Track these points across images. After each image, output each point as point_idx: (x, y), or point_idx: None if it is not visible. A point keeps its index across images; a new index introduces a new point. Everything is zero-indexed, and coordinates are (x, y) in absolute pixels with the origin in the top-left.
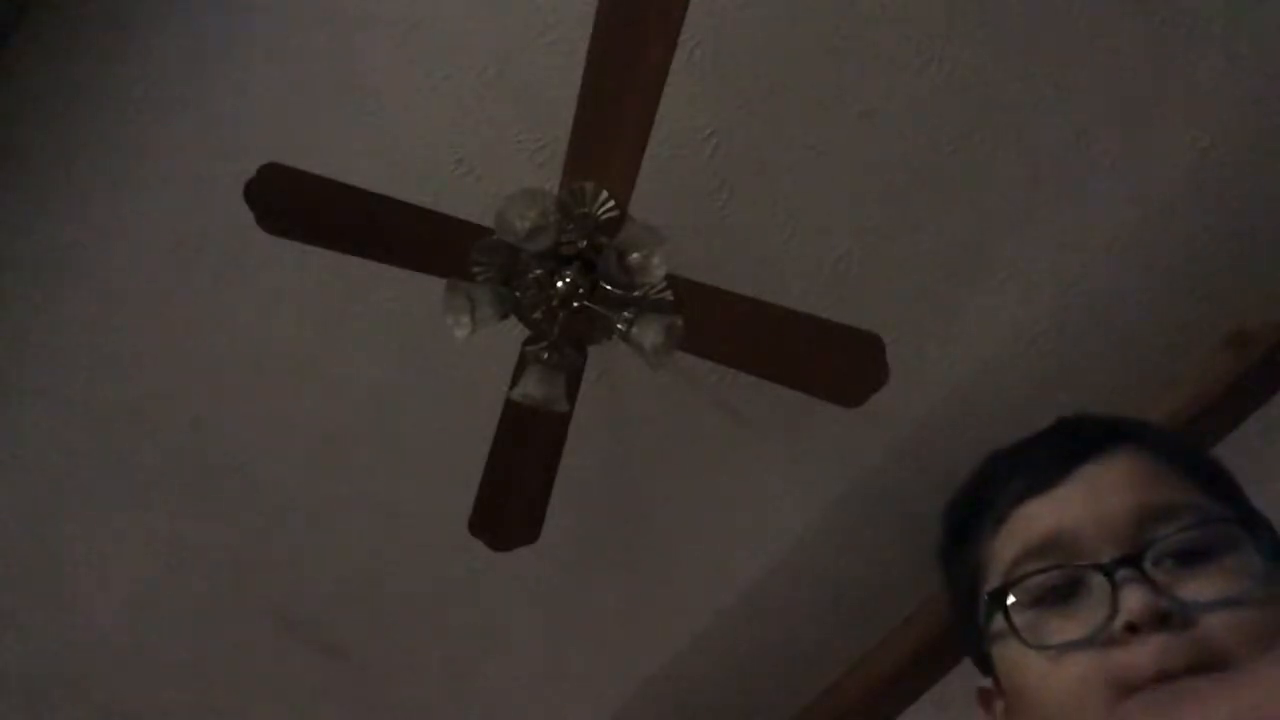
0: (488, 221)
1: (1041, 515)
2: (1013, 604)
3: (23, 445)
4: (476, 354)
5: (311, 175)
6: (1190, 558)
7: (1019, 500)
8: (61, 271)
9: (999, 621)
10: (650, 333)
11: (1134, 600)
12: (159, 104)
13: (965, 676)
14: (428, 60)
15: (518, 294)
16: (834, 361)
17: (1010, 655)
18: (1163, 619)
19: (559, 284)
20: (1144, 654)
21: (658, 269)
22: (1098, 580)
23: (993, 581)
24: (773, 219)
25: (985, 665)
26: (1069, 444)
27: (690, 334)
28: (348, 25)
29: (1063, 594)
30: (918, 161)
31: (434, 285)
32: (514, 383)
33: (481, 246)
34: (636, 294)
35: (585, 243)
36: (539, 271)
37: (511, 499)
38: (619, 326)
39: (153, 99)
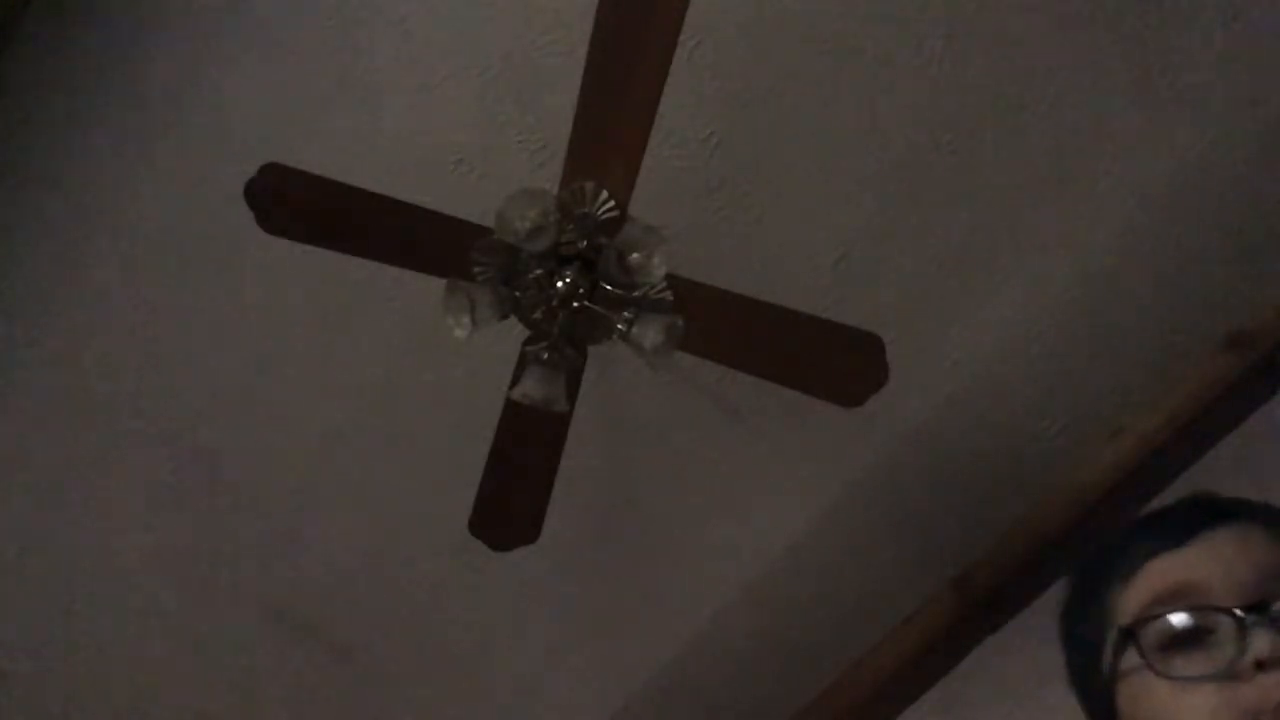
0: (488, 221)
1: (1172, 569)
2: (1144, 641)
3: (22, 445)
4: (476, 354)
5: (311, 175)
6: None
7: (1150, 556)
8: (61, 271)
9: (1130, 657)
10: (650, 333)
11: (1262, 641)
12: (159, 104)
13: (965, 677)
14: (428, 60)
15: (518, 294)
16: (834, 361)
17: (1140, 688)
18: None
19: (559, 284)
20: (1271, 688)
21: (658, 269)
22: (1226, 623)
23: (1123, 624)
24: (773, 219)
25: (1106, 712)
26: (1195, 512)
27: (690, 334)
28: (348, 25)
29: (1191, 636)
30: (918, 161)
31: (434, 285)
32: (514, 383)
33: (481, 246)
34: (636, 294)
35: (585, 243)
36: (539, 271)
37: (511, 499)
38: (619, 326)
39: (152, 99)
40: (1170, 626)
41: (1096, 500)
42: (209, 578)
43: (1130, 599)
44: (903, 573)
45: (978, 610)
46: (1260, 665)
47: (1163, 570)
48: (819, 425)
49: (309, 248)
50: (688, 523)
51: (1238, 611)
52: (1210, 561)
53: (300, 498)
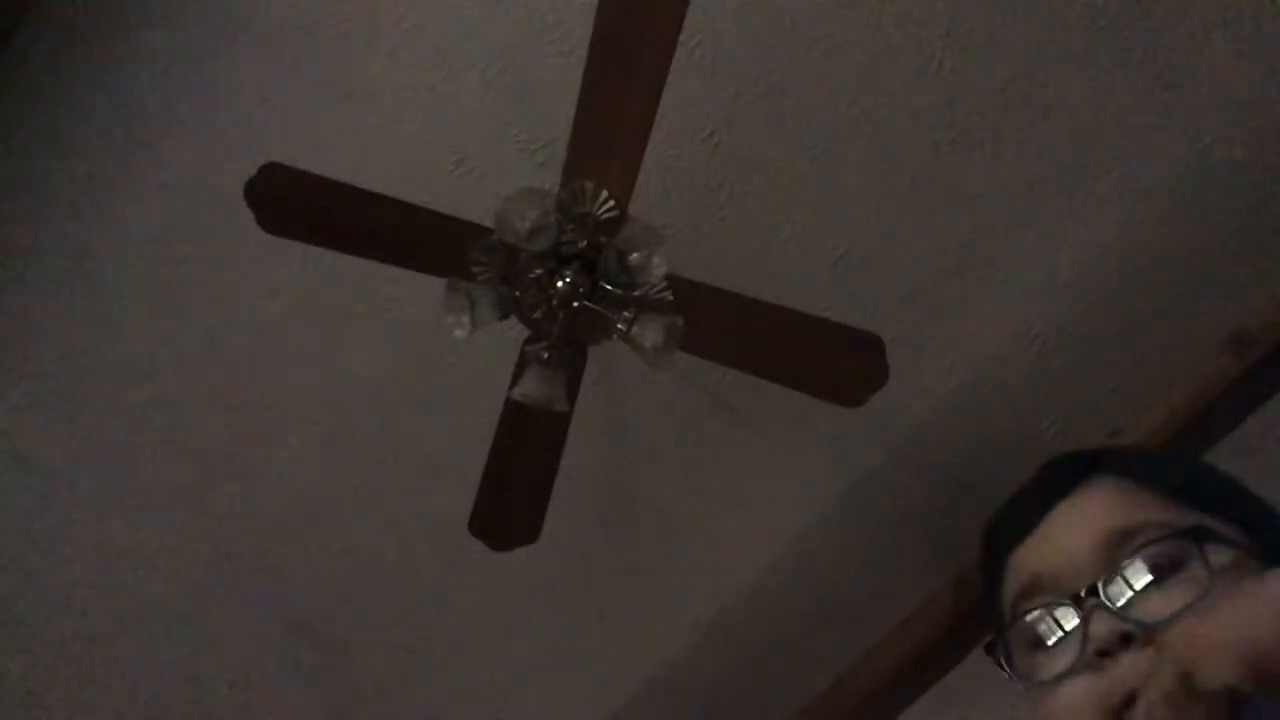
0: (488, 221)
1: (1024, 561)
2: (1014, 649)
3: (22, 446)
4: (476, 354)
5: (311, 175)
6: (1159, 570)
7: (1009, 550)
8: (61, 271)
9: (1004, 672)
10: (650, 333)
11: (1100, 626)
12: (159, 104)
13: (965, 677)
14: (428, 60)
15: (518, 294)
16: (834, 361)
17: (1026, 697)
18: (1126, 640)
19: (559, 284)
20: (1115, 675)
21: (658, 269)
22: (1072, 613)
23: (993, 633)
24: (773, 219)
25: None
26: (1045, 487)
27: (690, 334)
28: (348, 25)
29: (1050, 632)
30: (918, 161)
31: (434, 285)
32: (514, 383)
33: (481, 246)
34: (636, 294)
35: (585, 243)
36: (539, 271)
37: (511, 499)
38: (619, 326)
39: (152, 99)
40: (1027, 629)
41: None
42: (209, 578)
43: (1006, 598)
44: (903, 573)
45: (978, 610)
46: (1102, 653)
47: (1016, 566)
48: (819, 425)
49: (309, 248)
50: (688, 522)
51: (1071, 601)
52: (1055, 543)
53: (300, 498)
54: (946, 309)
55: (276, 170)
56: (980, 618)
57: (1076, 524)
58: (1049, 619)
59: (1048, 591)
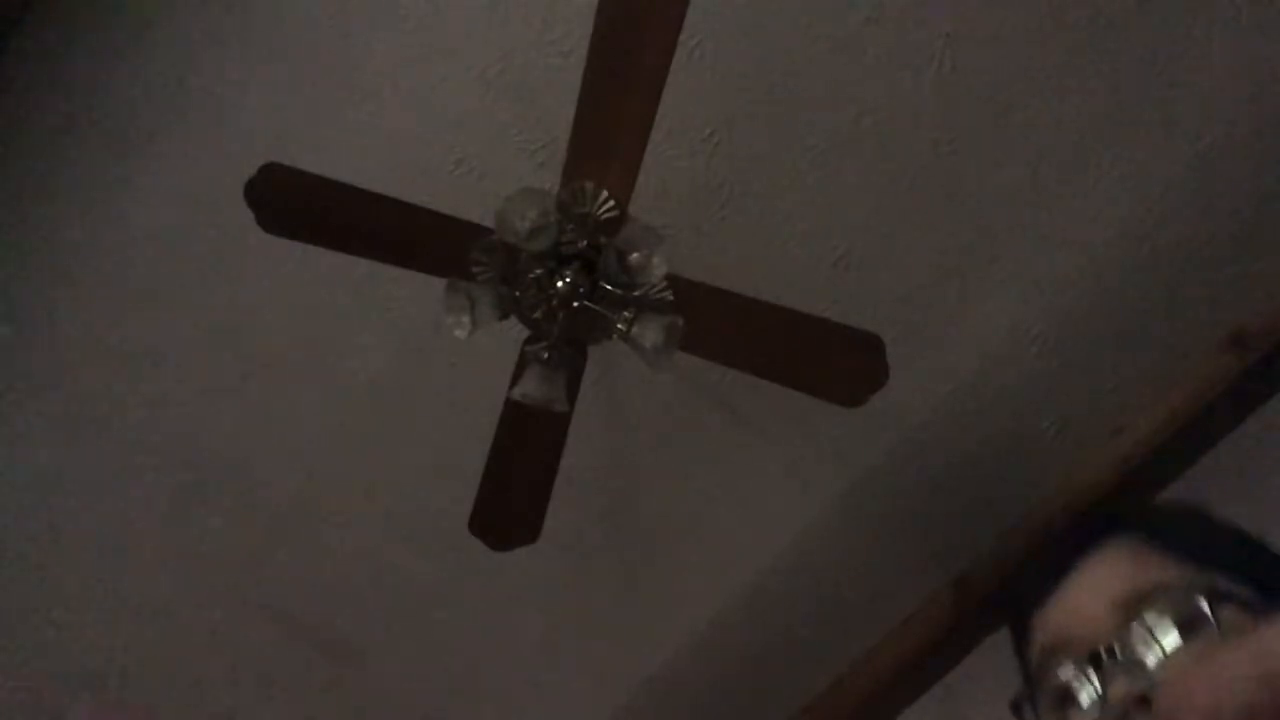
0: (488, 221)
1: (1047, 622)
2: (1040, 707)
3: (23, 446)
4: (476, 354)
5: (311, 175)
6: (1174, 631)
7: (1033, 610)
8: (61, 271)
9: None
10: (650, 333)
11: (1115, 688)
12: (158, 104)
13: (965, 677)
14: (428, 60)
15: (518, 294)
16: (834, 361)
17: None
18: (1144, 701)
19: (559, 284)
20: None
21: (658, 269)
22: (1091, 674)
23: (1021, 693)
24: (773, 219)
25: None
26: (1066, 549)
27: (690, 334)
28: (348, 25)
29: (1072, 692)
30: (918, 161)
31: (434, 285)
32: (514, 383)
33: (481, 246)
34: (636, 294)
35: (585, 243)
36: (539, 271)
37: (511, 499)
38: (619, 326)
39: (152, 99)
40: (1051, 688)
41: (1096, 500)
42: (209, 578)
43: (1032, 659)
44: (903, 573)
45: (978, 610)
46: (1123, 714)
47: (1041, 626)
48: (819, 425)
49: (309, 248)
50: (688, 522)
51: (1090, 662)
52: (1071, 609)
53: (300, 498)
54: (946, 309)
55: (276, 170)
56: (980, 618)
57: (1094, 586)
58: (1070, 679)
59: (1068, 652)
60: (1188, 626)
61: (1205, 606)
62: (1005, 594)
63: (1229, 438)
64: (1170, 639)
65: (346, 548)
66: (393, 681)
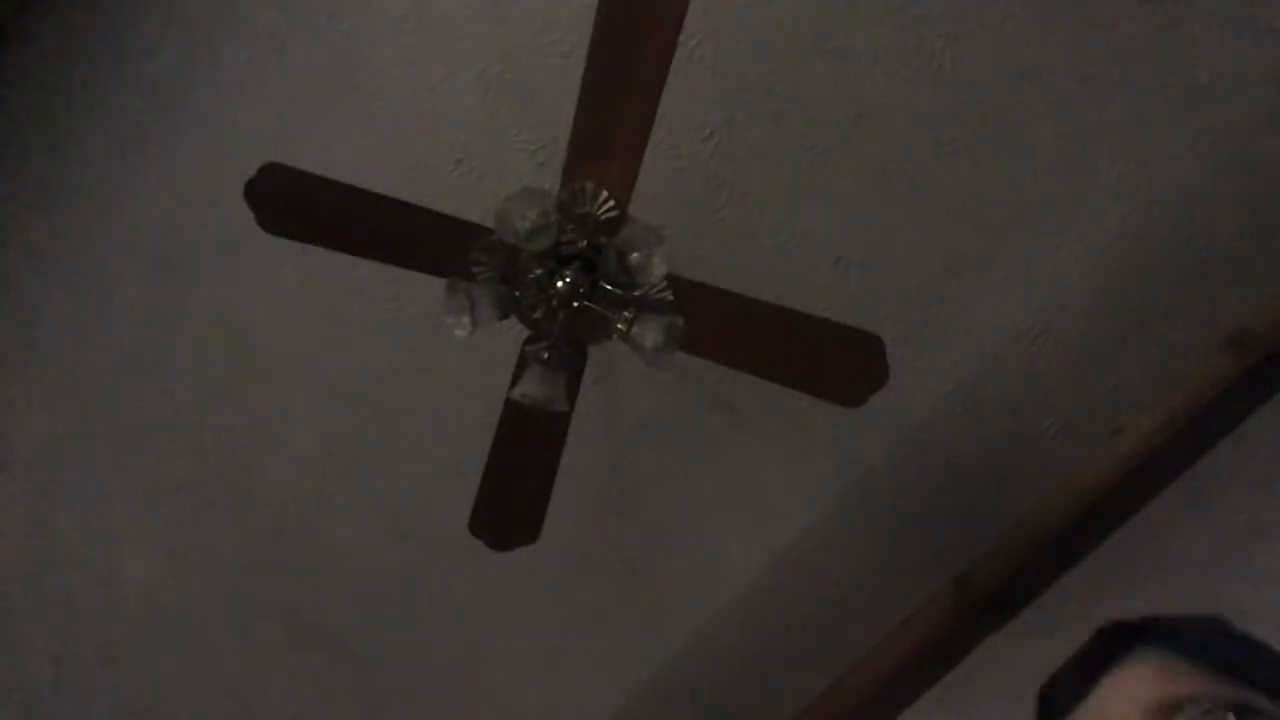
0: (488, 221)
1: None
2: None
3: (25, 448)
4: (476, 354)
5: (311, 175)
6: None
7: (1062, 716)
8: (61, 271)
9: None
10: (650, 333)
11: None
12: (158, 104)
13: (965, 677)
14: (428, 60)
15: (518, 294)
16: (834, 361)
17: None
18: None
19: (559, 284)
20: None
21: (658, 269)
22: None
23: None
24: (773, 219)
25: None
26: (1094, 656)
27: (690, 334)
28: (348, 25)
29: None
30: (917, 161)
31: (434, 285)
32: (514, 383)
33: (481, 246)
34: (636, 294)
35: (585, 242)
36: (539, 271)
37: (511, 499)
38: (619, 326)
39: (152, 99)
40: None
41: (1096, 500)
42: (209, 578)
43: None
44: (903, 573)
45: (978, 610)
46: None
47: None
48: (819, 425)
49: (309, 248)
50: (688, 522)
51: None
52: (1101, 717)
53: (300, 498)
54: (946, 309)
55: (276, 170)
56: (980, 618)
57: (1123, 695)
58: None
59: None
60: None
61: None
62: (1005, 594)
63: (1229, 438)
64: None
65: (346, 548)
66: (392, 680)
